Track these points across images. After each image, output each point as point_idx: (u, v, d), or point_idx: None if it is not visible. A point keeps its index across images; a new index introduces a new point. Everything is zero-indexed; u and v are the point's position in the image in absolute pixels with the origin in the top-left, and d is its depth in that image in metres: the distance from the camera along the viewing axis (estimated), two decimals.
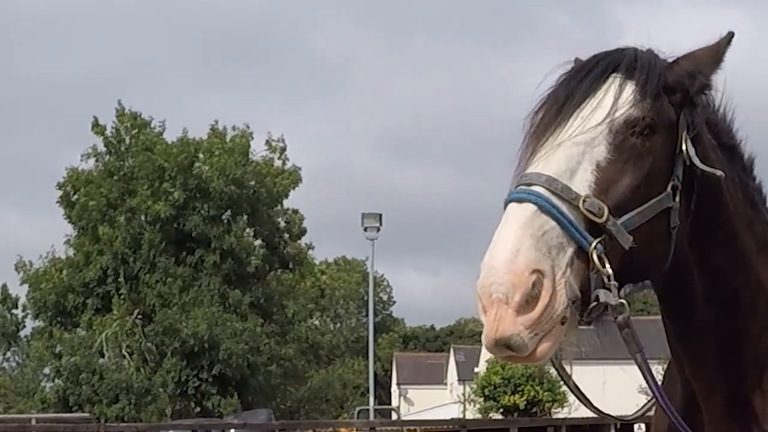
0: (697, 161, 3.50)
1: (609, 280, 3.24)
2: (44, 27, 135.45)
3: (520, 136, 3.59)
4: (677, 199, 3.49)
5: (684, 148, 3.50)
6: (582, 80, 3.52)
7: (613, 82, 3.49)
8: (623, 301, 3.29)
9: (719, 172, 3.53)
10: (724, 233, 3.70)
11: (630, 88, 3.47)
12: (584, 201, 3.28)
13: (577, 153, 3.38)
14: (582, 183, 3.33)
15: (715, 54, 3.61)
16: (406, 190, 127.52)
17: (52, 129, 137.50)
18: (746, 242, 3.76)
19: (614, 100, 3.45)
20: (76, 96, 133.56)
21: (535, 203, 3.25)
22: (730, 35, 3.64)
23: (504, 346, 3.17)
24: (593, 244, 3.24)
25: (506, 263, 3.14)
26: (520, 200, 3.29)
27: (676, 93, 3.54)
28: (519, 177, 3.42)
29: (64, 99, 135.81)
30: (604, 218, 3.27)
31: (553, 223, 3.23)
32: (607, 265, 3.24)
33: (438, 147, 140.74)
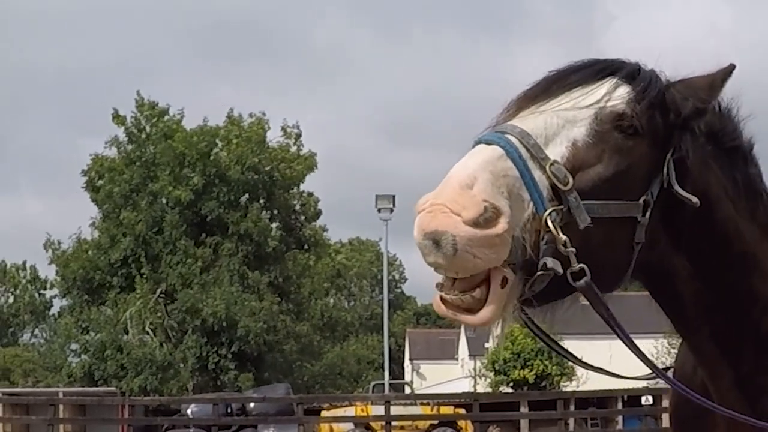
0: (675, 185, 3.35)
1: (566, 247, 3.03)
2: (62, 20, 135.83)
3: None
4: (647, 215, 3.28)
5: (664, 170, 3.35)
6: (577, 71, 3.38)
7: (610, 81, 3.34)
8: (582, 265, 3.07)
9: (695, 200, 3.35)
10: (717, 240, 3.54)
11: (626, 89, 3.32)
12: (552, 164, 3.09)
13: (557, 125, 3.20)
14: (554, 153, 3.15)
15: (711, 82, 3.45)
16: (411, 173, 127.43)
17: (71, 119, 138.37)
18: (745, 238, 3.60)
19: (607, 92, 3.29)
20: (90, 86, 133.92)
21: (503, 148, 3.07)
22: (731, 67, 3.46)
23: (432, 241, 2.92)
24: (548, 210, 3.03)
25: (460, 185, 2.95)
26: (488, 142, 3.11)
27: (669, 113, 3.38)
28: (492, 127, 3.27)
29: (79, 89, 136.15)
30: (569, 187, 3.08)
31: (517, 174, 3.03)
32: (562, 233, 3.03)
33: (441, 130, 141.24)
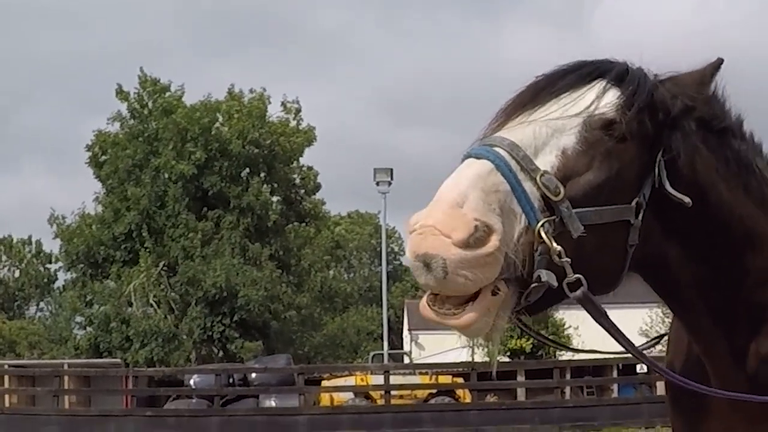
0: (666, 185, 3.32)
1: (560, 257, 3.01)
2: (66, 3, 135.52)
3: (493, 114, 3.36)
4: (639, 217, 3.26)
5: (655, 170, 3.32)
6: (565, 75, 3.33)
7: (598, 84, 3.31)
8: (579, 276, 3.05)
9: (686, 200, 3.32)
10: (711, 227, 3.52)
11: (615, 93, 3.29)
12: (542, 175, 3.06)
13: (546, 134, 3.16)
14: (544, 163, 3.11)
15: (700, 78, 3.45)
16: (407, 150, 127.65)
17: (75, 99, 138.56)
18: (740, 217, 3.57)
19: (596, 98, 3.26)
20: (94, 68, 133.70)
21: (492, 162, 3.03)
22: (719, 61, 3.46)
23: (422, 264, 2.90)
24: (541, 222, 3.01)
25: (448, 207, 2.92)
26: (477, 156, 3.07)
27: (658, 113, 3.35)
28: (481, 139, 3.22)
29: (84, 71, 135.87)
30: (560, 197, 3.05)
31: (507, 188, 3.00)
32: (555, 243, 3.01)
33: (435, 109, 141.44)
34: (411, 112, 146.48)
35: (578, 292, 3.08)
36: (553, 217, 3.04)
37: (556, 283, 3.02)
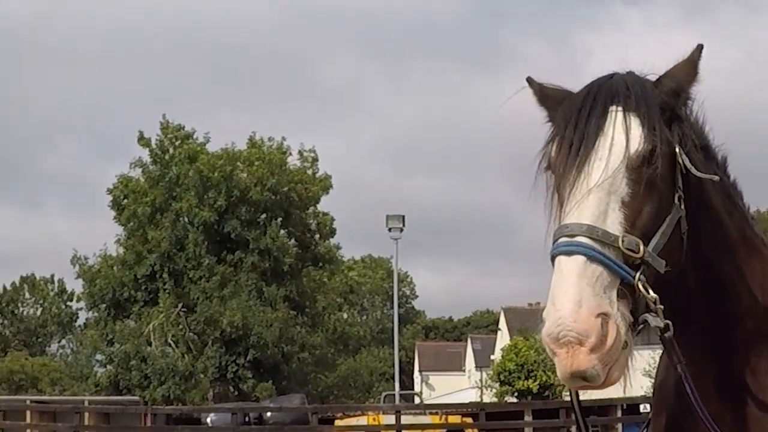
0: (694, 171, 3.51)
1: (655, 304, 3.31)
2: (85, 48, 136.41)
3: (532, 172, 3.64)
4: (683, 206, 3.50)
5: (680, 160, 3.50)
6: (587, 120, 3.49)
7: (617, 117, 3.47)
8: (668, 322, 3.34)
9: (716, 178, 3.56)
10: (711, 223, 3.70)
11: (635, 122, 3.46)
12: (623, 241, 3.30)
13: (605, 195, 3.38)
14: (614, 223, 3.35)
15: (690, 68, 3.60)
16: (415, 196, 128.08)
17: (97, 144, 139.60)
18: (730, 231, 3.78)
19: (626, 138, 3.44)
20: (115, 114, 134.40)
21: (583, 254, 3.28)
22: (700, 47, 3.62)
23: (579, 378, 3.23)
24: (637, 277, 3.29)
25: (572, 314, 3.18)
26: (569, 253, 3.31)
27: (665, 112, 3.53)
28: (559, 228, 3.42)
29: (104, 117, 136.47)
30: (641, 253, 3.31)
31: (602, 268, 3.26)
32: (651, 291, 3.30)
33: (439, 160, 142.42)
34: (419, 160, 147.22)
35: (667, 335, 3.38)
36: (642, 268, 3.31)
37: (662, 325, 3.34)
